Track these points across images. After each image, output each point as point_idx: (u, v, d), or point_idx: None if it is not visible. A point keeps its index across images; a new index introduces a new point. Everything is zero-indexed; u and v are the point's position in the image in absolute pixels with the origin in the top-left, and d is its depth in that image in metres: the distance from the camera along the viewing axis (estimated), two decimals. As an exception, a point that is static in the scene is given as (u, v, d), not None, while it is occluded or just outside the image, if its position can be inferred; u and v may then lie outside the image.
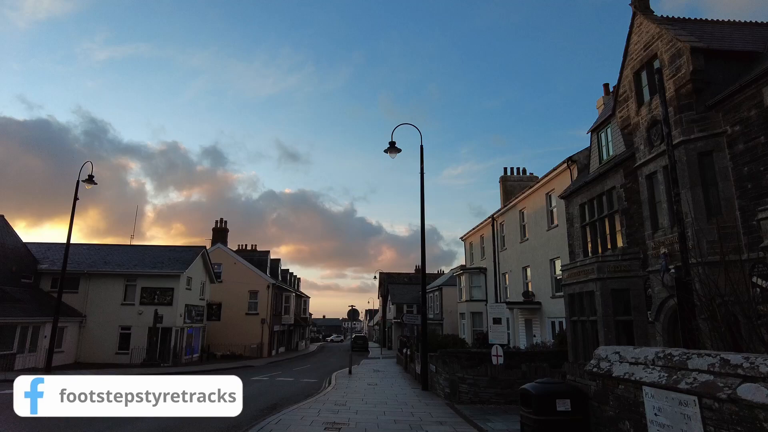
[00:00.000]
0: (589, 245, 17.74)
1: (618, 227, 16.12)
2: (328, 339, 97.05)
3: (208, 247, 42.61)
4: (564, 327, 22.45)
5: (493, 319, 15.94)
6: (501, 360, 15.43)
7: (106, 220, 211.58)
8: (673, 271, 11.68)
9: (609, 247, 16.42)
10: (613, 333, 14.55)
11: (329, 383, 19.06)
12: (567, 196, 19.44)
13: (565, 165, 22.03)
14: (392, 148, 18.06)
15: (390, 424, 10.10)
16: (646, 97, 13.61)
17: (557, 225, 23.45)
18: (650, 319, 13.64)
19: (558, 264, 23.75)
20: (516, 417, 11.09)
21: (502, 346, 15.74)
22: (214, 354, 37.21)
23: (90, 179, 23.34)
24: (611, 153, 17.31)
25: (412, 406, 12.69)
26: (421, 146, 18.46)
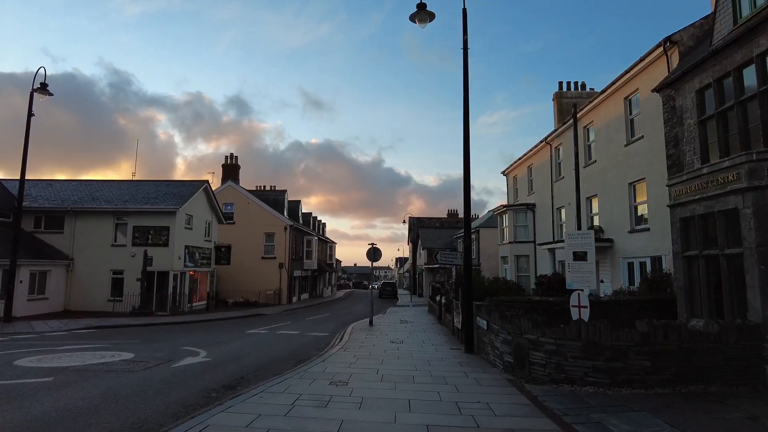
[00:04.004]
0: (715, 148, 12.01)
1: (775, 112, 10.34)
2: (376, 285, 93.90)
3: (218, 186, 38.46)
4: (648, 268, 17.14)
5: (574, 254, 10.74)
6: (586, 313, 10.34)
7: (139, 173, 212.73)
8: None
9: (752, 146, 10.71)
10: (775, 272, 9.12)
11: (341, 339, 14.51)
12: (673, 83, 13.52)
13: (661, 50, 15.88)
14: (421, 11, 12.42)
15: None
16: None
17: (642, 137, 17.62)
18: None
19: (640, 189, 18.11)
20: (652, 419, 6.10)
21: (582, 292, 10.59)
22: (225, 301, 33.57)
23: (43, 88, 18.61)
24: (759, 3, 11.22)
25: (455, 387, 7.81)
26: (464, 9, 12.75)
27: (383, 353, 11.39)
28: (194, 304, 28.65)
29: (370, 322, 18.77)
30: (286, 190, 42.44)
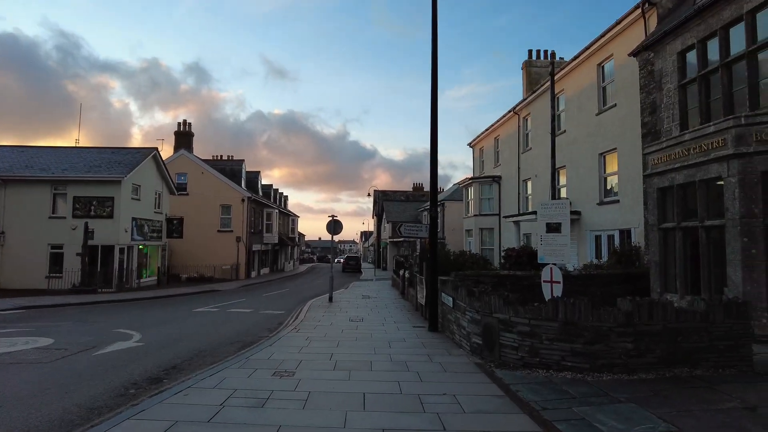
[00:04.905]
0: (695, 114, 11.32)
1: (762, 73, 9.65)
2: (340, 260, 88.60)
3: (170, 155, 36.20)
4: (616, 241, 16.71)
5: (548, 225, 9.92)
6: (559, 289, 9.59)
7: (92, 142, 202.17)
8: None
9: (735, 112, 10.02)
10: (761, 245, 8.55)
11: (296, 317, 13.43)
12: (652, 45, 12.72)
13: (639, 12, 15.05)
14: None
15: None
16: None
17: (614, 105, 16.97)
18: None
19: (611, 160, 17.55)
20: (642, 412, 5.30)
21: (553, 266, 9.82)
22: (177, 276, 31.87)
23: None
24: (748, -44, 10.40)
25: (418, 375, 6.88)
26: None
27: (340, 334, 10.38)
28: (143, 280, 26.91)
29: (330, 298, 17.75)
30: (243, 160, 40.43)
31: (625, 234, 16.14)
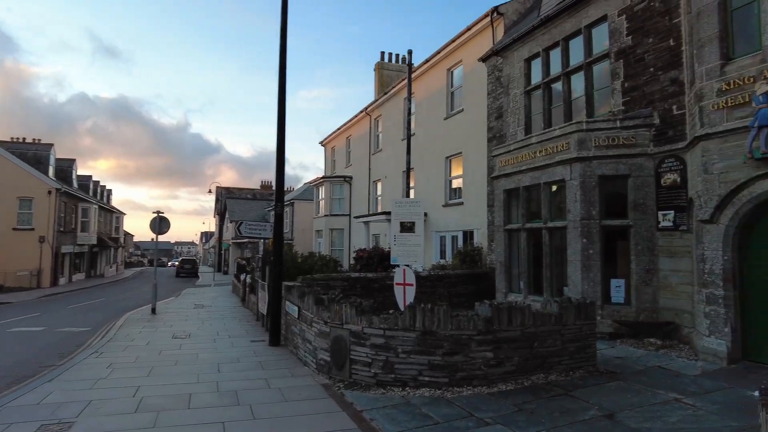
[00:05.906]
0: (539, 119, 11.70)
1: (597, 84, 10.21)
2: (175, 262, 72.83)
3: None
4: (460, 242, 17.11)
5: (401, 224, 9.21)
6: (412, 292, 8.92)
7: None
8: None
9: (573, 119, 10.50)
10: (597, 246, 8.86)
11: (103, 336, 10.83)
12: (502, 50, 13.00)
13: (488, 20, 15.51)
14: None
15: None
16: None
17: (462, 110, 17.37)
18: (671, 223, 8.14)
19: (456, 163, 17.95)
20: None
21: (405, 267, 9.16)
22: (-50, 286, 25.17)
23: None
24: (585, -27, 11.03)
25: (250, 410, 5.43)
26: None
27: (157, 356, 8.36)
28: None
29: (153, 310, 15.07)
30: (52, 144, 33.88)
31: (468, 235, 16.56)
